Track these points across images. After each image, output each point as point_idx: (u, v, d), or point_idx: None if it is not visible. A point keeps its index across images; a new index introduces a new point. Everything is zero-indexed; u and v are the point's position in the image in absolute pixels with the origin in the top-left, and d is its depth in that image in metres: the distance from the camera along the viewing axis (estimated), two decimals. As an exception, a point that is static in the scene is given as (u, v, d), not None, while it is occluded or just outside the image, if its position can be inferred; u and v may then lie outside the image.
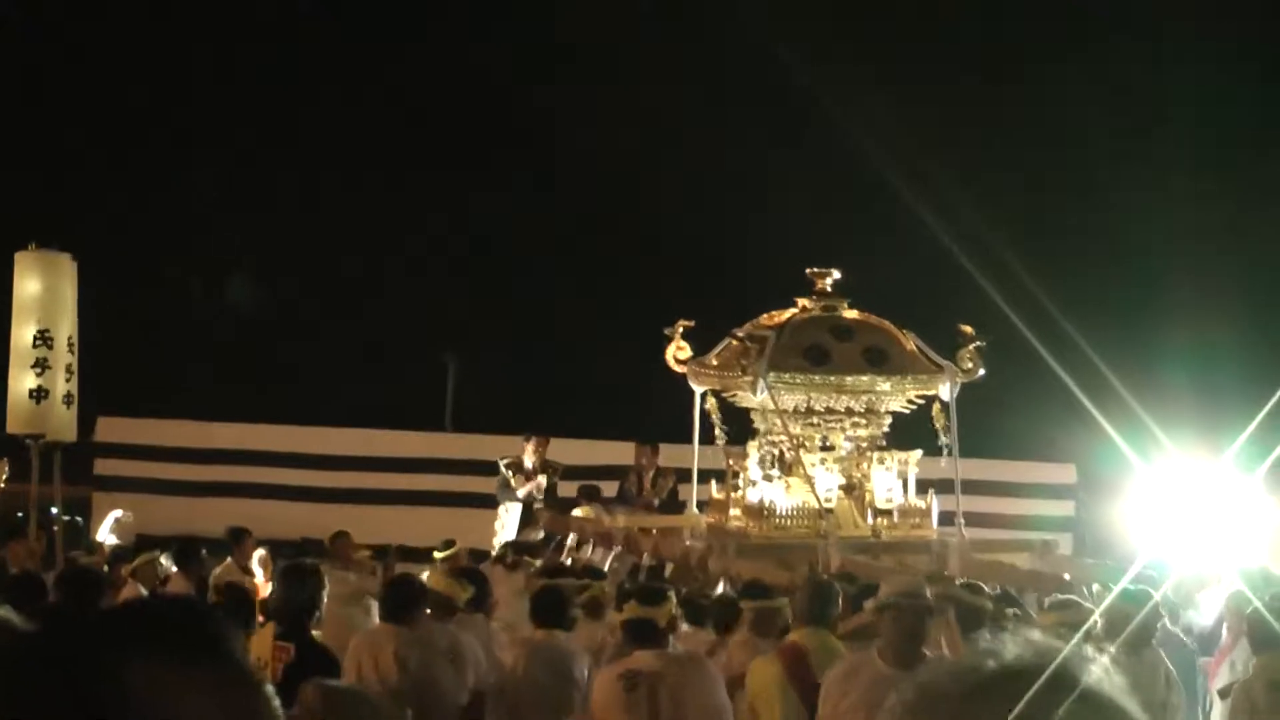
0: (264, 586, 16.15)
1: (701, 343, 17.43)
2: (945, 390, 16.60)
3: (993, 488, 25.41)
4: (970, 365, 16.75)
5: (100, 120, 30.05)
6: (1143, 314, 26.81)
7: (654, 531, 17.27)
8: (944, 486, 23.34)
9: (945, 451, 16.90)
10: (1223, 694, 11.88)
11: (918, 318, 17.80)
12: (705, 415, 17.19)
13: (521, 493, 19.62)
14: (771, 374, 16.07)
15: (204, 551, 16.76)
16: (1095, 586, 14.63)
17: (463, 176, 30.33)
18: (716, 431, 17.16)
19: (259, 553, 17.09)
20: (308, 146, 30.23)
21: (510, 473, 20.17)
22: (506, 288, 29.67)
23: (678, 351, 17.10)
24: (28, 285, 18.14)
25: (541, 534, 18.43)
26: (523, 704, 10.07)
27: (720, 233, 28.14)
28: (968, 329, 16.90)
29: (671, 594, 9.75)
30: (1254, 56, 28.59)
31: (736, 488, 17.03)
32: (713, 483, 17.69)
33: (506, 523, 19.99)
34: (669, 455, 19.99)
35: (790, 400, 16.46)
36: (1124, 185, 27.76)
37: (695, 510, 17.90)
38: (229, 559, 16.35)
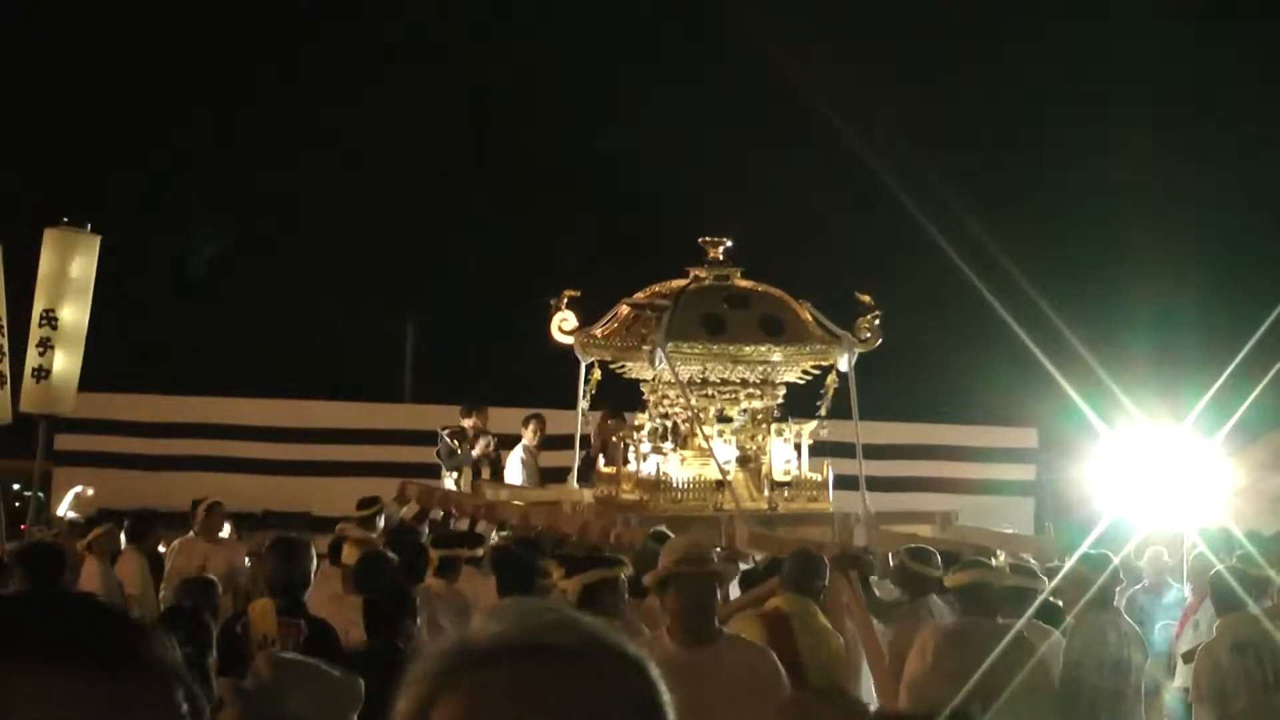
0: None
1: (587, 313, 17.04)
2: (843, 361, 16.34)
3: (953, 452, 25.53)
4: (869, 335, 16.51)
5: (55, 84, 29.89)
6: (1104, 277, 26.88)
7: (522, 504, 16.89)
8: (899, 452, 23.49)
9: (822, 425, 16.63)
10: (1186, 658, 11.92)
11: (814, 287, 17.53)
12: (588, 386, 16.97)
13: (476, 452, 19.50)
14: (670, 344, 15.79)
15: (158, 525, 16.64)
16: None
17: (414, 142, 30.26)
18: (584, 404, 16.98)
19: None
20: (266, 116, 30.10)
21: (455, 441, 20.12)
22: (464, 256, 29.56)
23: (562, 323, 16.74)
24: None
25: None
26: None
27: (610, 199, 28.13)
28: (866, 298, 16.66)
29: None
30: (1213, 15, 28.66)
31: (626, 460, 16.72)
32: (600, 458, 17.37)
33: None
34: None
35: (686, 371, 16.07)
36: (1085, 147, 27.81)
37: (575, 484, 17.59)
38: (190, 532, 16.24)
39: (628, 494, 16.10)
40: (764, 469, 16.20)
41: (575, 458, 17.91)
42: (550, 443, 19.47)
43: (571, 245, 27.46)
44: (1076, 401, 18.30)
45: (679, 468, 16.09)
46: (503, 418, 20.32)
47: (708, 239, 16.88)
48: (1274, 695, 10.15)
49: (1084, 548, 10.88)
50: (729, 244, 16.88)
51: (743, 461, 16.16)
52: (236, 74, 30.60)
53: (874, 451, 24.73)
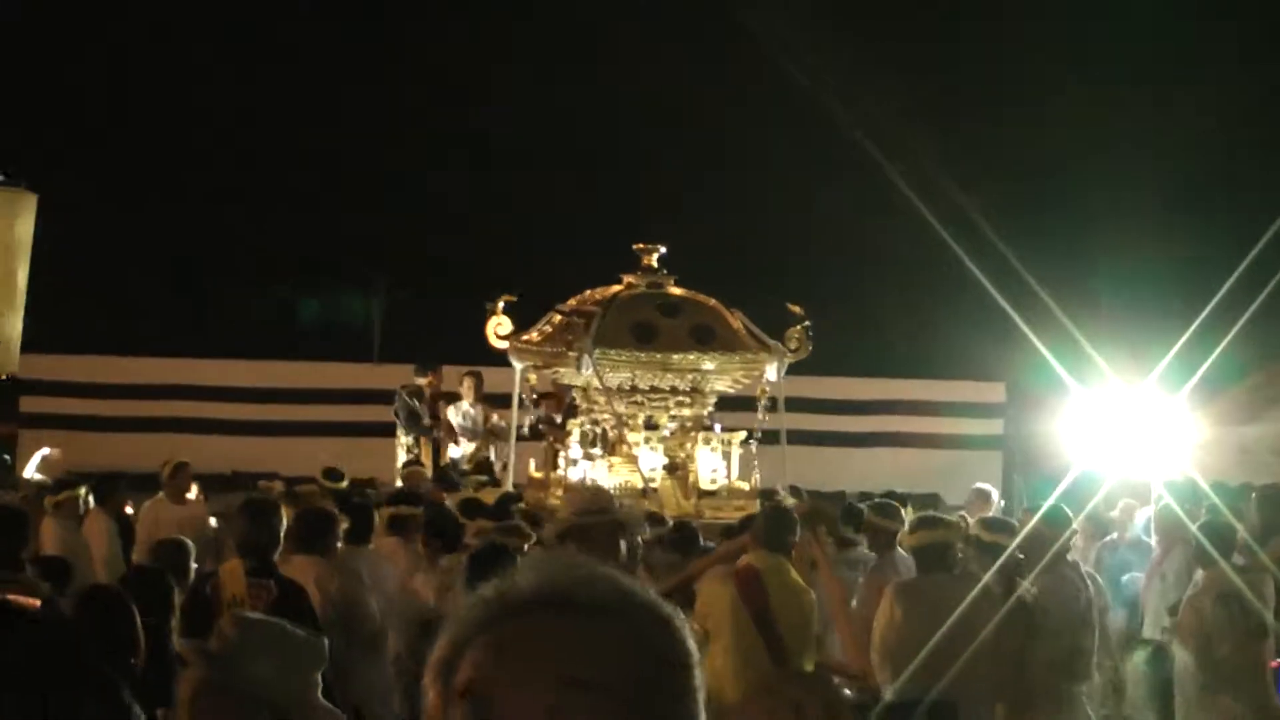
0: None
1: (524, 318, 16.96)
2: (772, 370, 16.33)
3: (922, 407, 25.60)
4: (797, 346, 16.49)
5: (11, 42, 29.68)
6: (1072, 233, 26.89)
7: None
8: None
9: (755, 438, 16.60)
10: (1171, 611, 11.98)
11: (747, 296, 17.43)
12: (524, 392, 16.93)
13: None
14: (597, 351, 15.71)
15: (125, 487, 16.60)
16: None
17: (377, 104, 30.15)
18: (528, 410, 16.93)
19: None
20: (224, 70, 29.94)
21: (414, 401, 20.14)
22: (429, 217, 29.49)
23: (498, 327, 16.65)
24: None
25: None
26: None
27: (548, 205, 28.09)
28: (796, 308, 16.61)
29: None
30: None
31: (556, 466, 16.69)
32: (531, 461, 17.35)
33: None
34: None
35: (615, 378, 16.00)
36: (1052, 103, 27.80)
37: (510, 486, 17.47)
38: (159, 494, 16.21)
39: (556, 500, 15.95)
40: (691, 477, 16.16)
41: (512, 451, 17.81)
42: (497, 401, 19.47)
43: (530, 227, 27.54)
44: (1044, 356, 18.35)
45: (607, 474, 16.04)
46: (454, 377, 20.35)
47: (642, 245, 16.81)
48: (1255, 643, 10.28)
49: (1049, 502, 10.94)
50: (663, 250, 16.82)
51: (670, 469, 16.09)
52: (191, 29, 30.39)
53: (842, 407, 24.88)
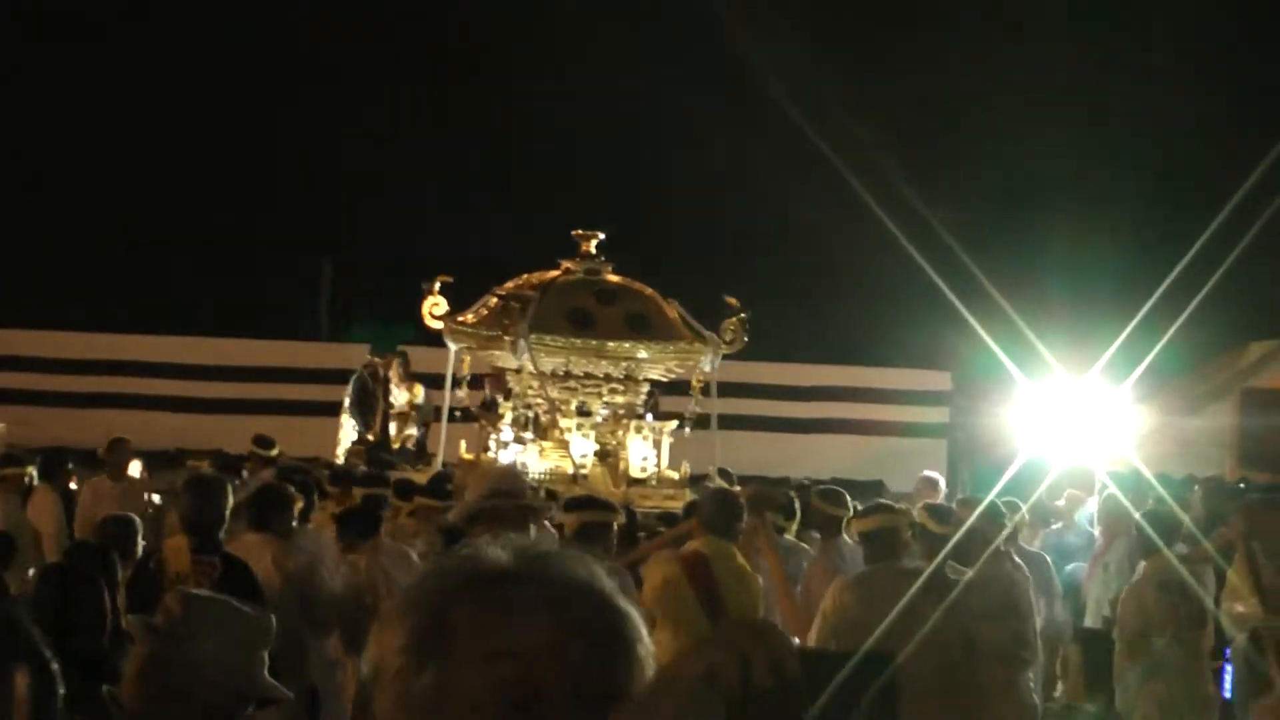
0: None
1: (460, 300, 16.89)
2: (707, 361, 16.35)
3: (868, 394, 25.67)
4: (733, 337, 16.50)
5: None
6: (1020, 223, 27.00)
7: None
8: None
9: (688, 422, 16.61)
10: (1113, 601, 12.08)
11: (685, 286, 17.42)
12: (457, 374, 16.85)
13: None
14: (533, 336, 15.71)
15: (70, 464, 16.52)
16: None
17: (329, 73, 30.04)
18: (463, 392, 16.87)
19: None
20: (174, 46, 29.79)
21: (372, 382, 20.12)
22: (383, 194, 29.41)
23: (433, 308, 16.59)
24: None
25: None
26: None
27: (492, 187, 28.09)
28: (733, 300, 16.62)
29: None
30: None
31: (487, 448, 16.66)
32: (462, 442, 17.27)
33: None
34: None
35: (550, 363, 16.04)
36: (1001, 91, 27.88)
37: (441, 467, 17.39)
38: (104, 472, 16.15)
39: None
40: (622, 465, 16.15)
41: (444, 431, 17.75)
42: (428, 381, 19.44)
43: (473, 208, 27.50)
44: (990, 346, 18.43)
45: (538, 458, 16.03)
46: (425, 357, 20.26)
47: (580, 232, 16.77)
48: (1194, 631, 10.38)
49: (993, 492, 11.02)
50: (601, 237, 16.79)
51: (601, 456, 16.07)
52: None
53: (788, 393, 24.94)
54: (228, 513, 9.30)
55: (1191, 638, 10.40)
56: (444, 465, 17.06)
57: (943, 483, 16.17)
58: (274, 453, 16.24)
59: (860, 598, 8.73)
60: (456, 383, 16.89)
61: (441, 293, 16.57)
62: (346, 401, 20.53)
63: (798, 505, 12.12)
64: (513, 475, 7.37)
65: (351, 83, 29.70)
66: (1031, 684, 9.62)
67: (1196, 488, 16.43)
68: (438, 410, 18.86)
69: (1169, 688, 10.28)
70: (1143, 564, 10.96)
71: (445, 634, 2.12)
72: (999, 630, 9.05)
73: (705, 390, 16.59)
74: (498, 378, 18.09)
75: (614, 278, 16.60)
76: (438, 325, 16.63)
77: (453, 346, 16.74)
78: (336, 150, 29.42)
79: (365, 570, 10.41)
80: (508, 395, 16.95)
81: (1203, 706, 10.46)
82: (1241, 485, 19.72)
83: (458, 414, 17.34)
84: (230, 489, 9.61)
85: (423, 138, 29.39)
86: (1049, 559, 13.21)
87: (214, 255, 29.45)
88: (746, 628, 2.12)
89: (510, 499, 6.97)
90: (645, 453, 16.31)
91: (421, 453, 19.65)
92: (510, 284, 16.61)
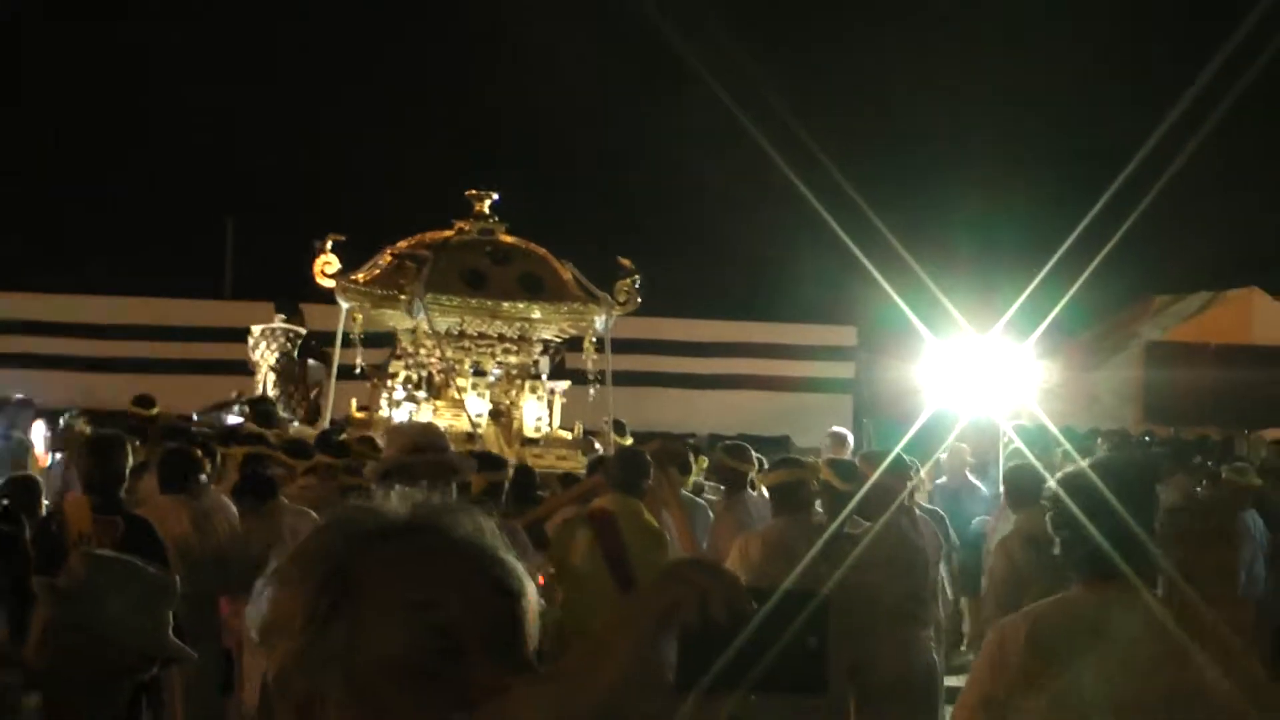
0: (43, 458, 15.86)
1: (354, 259, 16.77)
2: (600, 322, 16.40)
3: (773, 350, 25.72)
4: (626, 299, 16.55)
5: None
6: (926, 178, 27.13)
7: None
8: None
9: (595, 384, 16.65)
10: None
11: (579, 247, 17.43)
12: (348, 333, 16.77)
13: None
14: (429, 295, 15.72)
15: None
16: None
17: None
18: (356, 350, 16.78)
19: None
20: (71, 9, 29.49)
21: (291, 345, 19.98)
22: (285, 152, 29.21)
23: (325, 266, 16.49)
24: None
25: None
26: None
27: (387, 147, 27.99)
28: (625, 261, 16.66)
29: None
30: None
31: (379, 408, 16.62)
32: (353, 401, 17.26)
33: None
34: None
35: (444, 323, 16.04)
36: (907, 46, 27.98)
37: (328, 426, 17.27)
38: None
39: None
40: (515, 424, 16.18)
41: (330, 396, 17.64)
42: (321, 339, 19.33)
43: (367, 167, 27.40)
44: (896, 301, 18.51)
45: (432, 418, 16.01)
46: (320, 315, 20.13)
47: (474, 191, 16.74)
48: (1064, 586, 10.45)
49: (898, 447, 11.07)
50: (495, 197, 16.77)
51: (495, 415, 16.09)
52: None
53: (692, 349, 24.97)
54: (127, 471, 9.24)
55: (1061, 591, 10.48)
56: (333, 421, 17.03)
57: (850, 438, 16.26)
58: (153, 412, 16.13)
59: (765, 551, 8.77)
60: (348, 341, 16.79)
61: (334, 251, 16.47)
62: (269, 371, 20.34)
63: (693, 461, 12.14)
64: (434, 432, 7.09)
65: (252, 45, 29.49)
66: (930, 641, 9.69)
67: (1100, 440, 16.60)
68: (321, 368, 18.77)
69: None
70: (1013, 517, 11.04)
71: (353, 588, 2.09)
72: (898, 586, 9.10)
73: (599, 349, 16.60)
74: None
75: (508, 238, 16.59)
76: (329, 284, 16.53)
77: (344, 305, 16.65)
78: (237, 111, 29.22)
79: (270, 533, 10.35)
80: (399, 355, 16.89)
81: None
82: (1146, 438, 19.93)
83: (358, 370, 17.26)
84: (130, 448, 9.54)
85: (325, 98, 29.23)
86: (945, 515, 13.29)
87: (117, 215, 29.20)
88: (701, 565, 2.13)
89: (434, 454, 6.67)
90: (539, 412, 16.33)
91: (316, 413, 19.53)
92: (403, 243, 16.54)
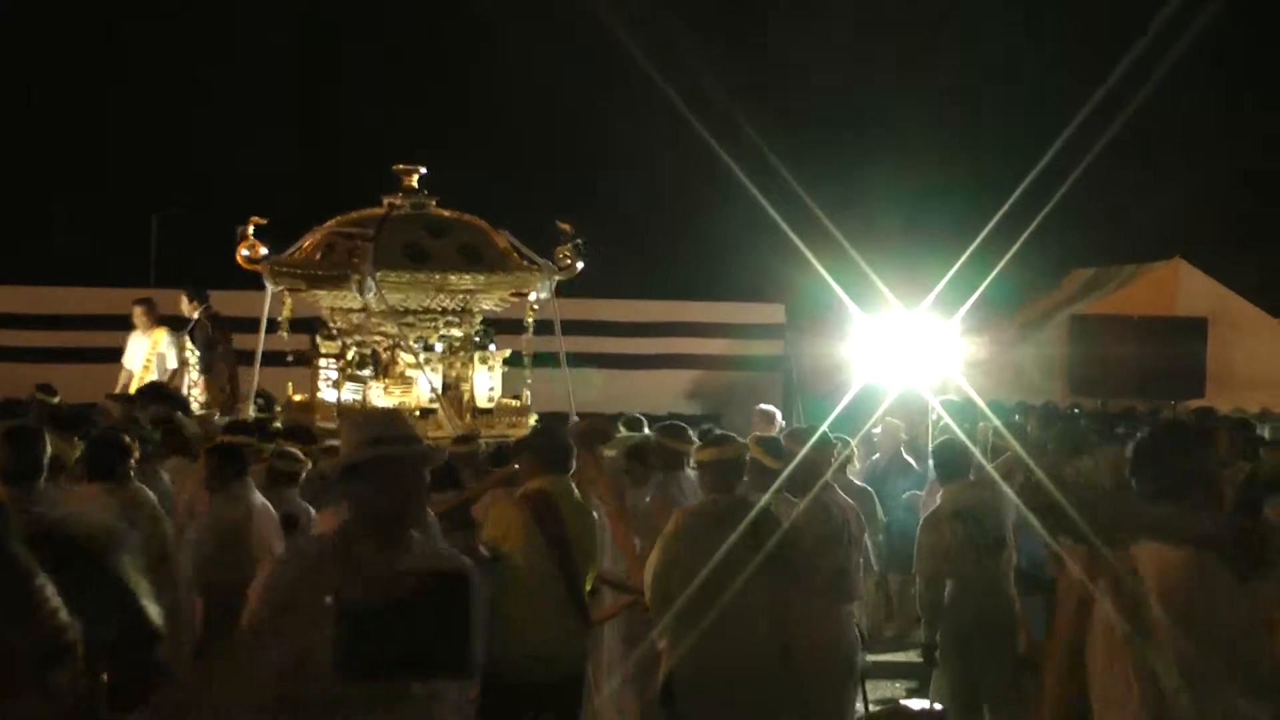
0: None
1: (276, 242, 16.65)
2: (543, 288, 16.42)
3: (702, 329, 25.72)
4: (568, 263, 16.56)
5: None
6: (853, 155, 27.19)
7: None
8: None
9: (526, 359, 16.67)
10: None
11: (512, 214, 17.40)
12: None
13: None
14: (380, 273, 15.68)
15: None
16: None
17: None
18: (285, 334, 16.65)
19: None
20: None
21: (212, 330, 19.78)
22: (211, 142, 29.05)
23: (249, 249, 16.35)
24: None
25: None
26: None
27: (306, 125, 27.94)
28: (565, 226, 16.66)
29: None
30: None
31: (318, 390, 16.53)
32: (289, 384, 17.04)
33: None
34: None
35: (389, 299, 16.02)
36: (838, 23, 28.01)
37: (253, 411, 17.09)
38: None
39: (326, 424, 15.73)
40: (465, 397, 16.17)
41: (255, 377, 17.52)
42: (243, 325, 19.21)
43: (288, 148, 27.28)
44: (824, 278, 18.55)
45: (382, 396, 15.98)
46: (238, 301, 19.96)
47: (402, 166, 16.69)
48: (993, 558, 10.52)
49: (825, 424, 11.09)
50: (424, 171, 16.73)
51: (444, 390, 16.10)
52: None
53: (623, 329, 24.94)
54: (45, 461, 9.15)
55: (990, 563, 10.54)
56: (259, 405, 16.94)
57: (779, 416, 16.29)
58: (55, 400, 16.05)
59: (697, 527, 8.76)
60: (275, 325, 16.67)
61: (257, 236, 16.35)
62: (191, 353, 20.15)
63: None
64: (399, 419, 6.11)
65: (166, 40, 29.33)
66: (853, 617, 9.72)
67: (1032, 414, 16.68)
68: (224, 352, 18.62)
69: (976, 614, 10.42)
70: (940, 491, 11.10)
71: None
72: (823, 562, 9.12)
73: (539, 322, 16.57)
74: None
75: (443, 211, 16.56)
76: (254, 267, 16.41)
77: (272, 288, 16.52)
78: (163, 102, 29.04)
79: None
80: (331, 335, 16.78)
81: (1006, 631, 10.60)
82: (1075, 411, 20.02)
83: (289, 358, 17.14)
84: (47, 438, 9.43)
85: (243, 87, 29.10)
86: (873, 492, 13.32)
87: (44, 205, 29.00)
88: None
89: (402, 445, 5.64)
90: (490, 383, 16.32)
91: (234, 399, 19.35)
92: (332, 222, 16.46)
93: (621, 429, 13.40)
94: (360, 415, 6.74)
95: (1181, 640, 5.39)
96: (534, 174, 26.92)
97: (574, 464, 9.38)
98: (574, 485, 9.26)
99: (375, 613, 2.11)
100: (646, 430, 13.52)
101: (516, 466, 9.60)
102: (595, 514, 9.50)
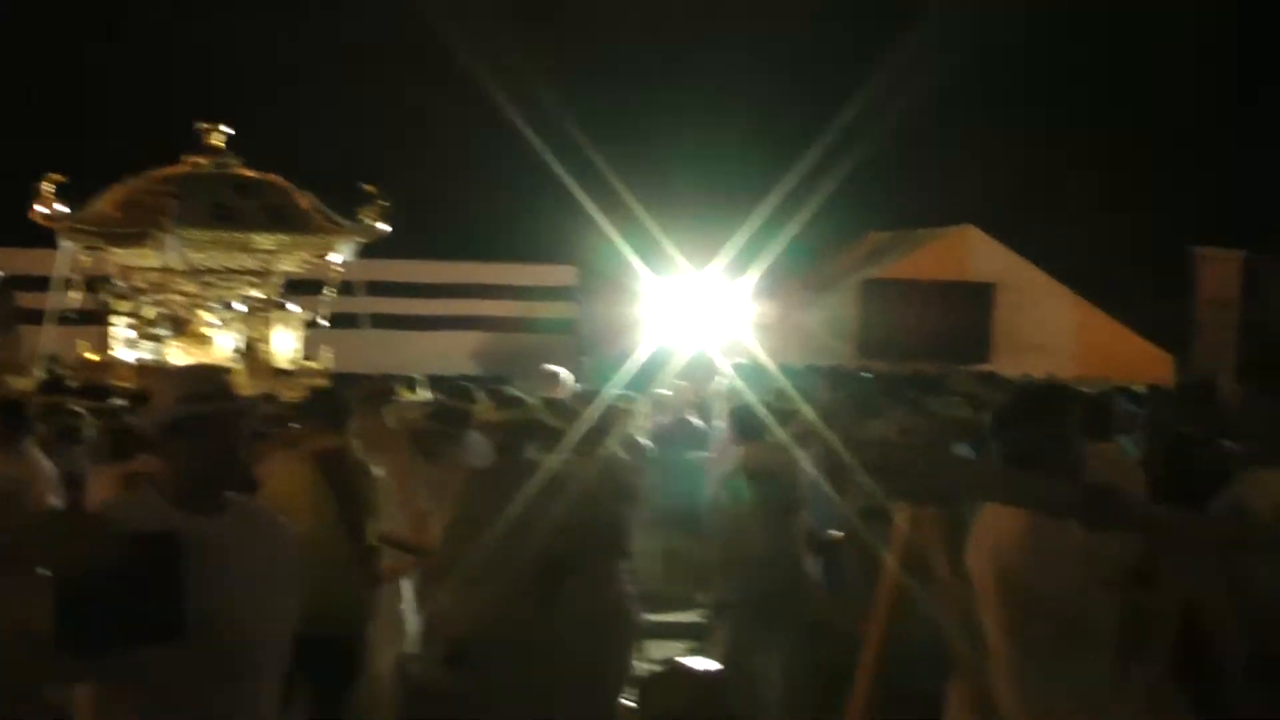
0: None
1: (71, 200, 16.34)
2: (348, 249, 16.33)
3: (492, 290, 25.61)
4: (372, 224, 16.45)
5: None
6: (644, 119, 27.13)
7: None
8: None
9: (322, 320, 16.61)
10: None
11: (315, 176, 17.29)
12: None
13: None
14: (183, 231, 15.46)
15: None
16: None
17: None
18: (75, 293, 16.39)
19: None
20: None
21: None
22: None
23: (45, 205, 16.05)
24: None
25: None
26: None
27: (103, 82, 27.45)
28: (370, 188, 16.56)
29: None
30: None
31: (110, 349, 16.27)
32: (81, 342, 16.67)
33: None
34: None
35: (196, 257, 15.91)
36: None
37: (43, 370, 16.73)
38: None
39: (123, 382, 15.45)
40: (267, 357, 16.02)
41: (45, 336, 17.12)
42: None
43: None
44: (616, 241, 18.51)
45: (180, 355, 15.74)
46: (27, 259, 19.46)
47: (205, 125, 16.45)
48: (785, 520, 10.52)
49: (615, 385, 11.03)
50: (230, 131, 16.51)
51: (244, 350, 15.94)
52: None
53: (411, 290, 24.72)
54: None
55: (781, 525, 10.54)
56: (49, 365, 16.57)
57: (564, 375, 16.18)
58: None
59: (483, 490, 8.66)
60: (70, 283, 16.37)
61: (56, 194, 16.01)
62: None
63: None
64: (217, 375, 5.59)
65: None
66: (627, 574, 9.67)
67: (822, 375, 16.72)
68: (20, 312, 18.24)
69: (763, 575, 10.41)
70: (735, 452, 11.08)
71: None
72: (600, 519, 9.06)
73: (346, 285, 16.46)
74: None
75: (248, 171, 16.38)
76: (50, 226, 16.07)
77: (69, 246, 16.19)
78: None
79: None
80: (124, 294, 16.49)
81: (794, 592, 10.61)
82: (867, 375, 20.13)
83: (75, 314, 16.79)
84: None
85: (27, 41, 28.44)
86: (656, 451, 13.25)
87: None
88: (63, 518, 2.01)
89: (221, 401, 5.30)
90: (291, 343, 16.17)
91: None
92: (133, 180, 16.20)
93: (406, 391, 13.29)
94: (177, 371, 6.48)
95: (1011, 602, 5.41)
96: (329, 135, 26.53)
97: (355, 424, 9.25)
98: (357, 443, 9.14)
99: (83, 582, 1.96)
100: (429, 391, 13.42)
101: (297, 426, 9.43)
102: (378, 474, 9.38)
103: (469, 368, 21.02)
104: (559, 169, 17.62)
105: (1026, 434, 5.75)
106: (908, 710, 5.76)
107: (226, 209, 15.88)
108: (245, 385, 15.19)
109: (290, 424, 9.75)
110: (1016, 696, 5.46)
